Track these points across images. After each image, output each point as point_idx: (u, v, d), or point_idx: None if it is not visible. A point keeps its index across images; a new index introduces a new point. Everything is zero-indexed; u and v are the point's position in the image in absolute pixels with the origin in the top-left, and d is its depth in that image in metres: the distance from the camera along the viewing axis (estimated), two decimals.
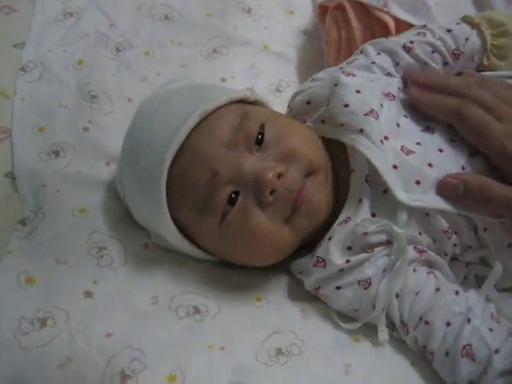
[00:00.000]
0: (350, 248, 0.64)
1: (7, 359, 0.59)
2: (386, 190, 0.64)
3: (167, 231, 0.67)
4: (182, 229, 0.67)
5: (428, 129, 0.68)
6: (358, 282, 0.63)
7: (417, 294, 0.62)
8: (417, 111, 0.69)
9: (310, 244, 0.68)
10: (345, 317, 0.65)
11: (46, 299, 0.64)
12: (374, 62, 0.74)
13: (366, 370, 0.61)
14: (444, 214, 0.64)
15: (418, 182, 0.64)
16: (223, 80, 0.93)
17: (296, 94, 0.77)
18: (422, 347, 0.61)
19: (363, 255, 0.64)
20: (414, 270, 0.63)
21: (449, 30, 0.75)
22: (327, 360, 0.61)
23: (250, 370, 0.59)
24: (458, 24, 0.77)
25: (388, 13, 0.85)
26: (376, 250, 0.64)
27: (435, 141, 0.67)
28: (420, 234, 0.64)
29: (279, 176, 0.63)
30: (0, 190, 0.77)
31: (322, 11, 0.96)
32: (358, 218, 0.64)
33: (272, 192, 0.62)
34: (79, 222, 0.73)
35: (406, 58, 0.74)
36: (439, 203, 0.64)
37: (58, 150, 0.81)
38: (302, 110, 0.74)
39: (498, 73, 0.76)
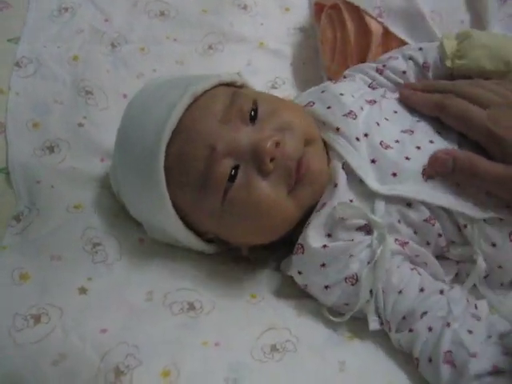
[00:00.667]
0: (329, 235, 0.65)
1: (1, 356, 0.59)
2: (362, 180, 0.66)
3: (166, 217, 0.67)
4: (180, 216, 0.67)
5: (407, 131, 0.70)
6: (345, 279, 0.64)
7: (400, 292, 0.62)
8: (398, 116, 0.72)
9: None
10: (337, 312, 0.65)
11: (40, 296, 0.64)
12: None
13: (361, 366, 0.61)
14: (426, 203, 0.65)
15: (394, 174, 0.66)
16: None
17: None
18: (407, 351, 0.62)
19: (342, 243, 0.64)
20: (398, 266, 0.64)
21: (420, 48, 0.79)
22: (321, 357, 0.62)
23: (245, 367, 0.59)
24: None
25: (382, 23, 0.85)
26: (356, 240, 0.64)
27: (414, 140, 0.68)
28: (399, 221, 0.65)
29: (277, 145, 0.63)
30: None
31: (318, 9, 0.96)
32: (334, 201, 0.65)
33: (272, 160, 0.63)
34: (74, 218, 0.73)
35: (380, 79, 0.79)
36: (416, 193, 0.65)
37: (53, 146, 0.81)
38: None
39: None
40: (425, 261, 0.65)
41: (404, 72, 0.78)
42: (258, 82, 0.91)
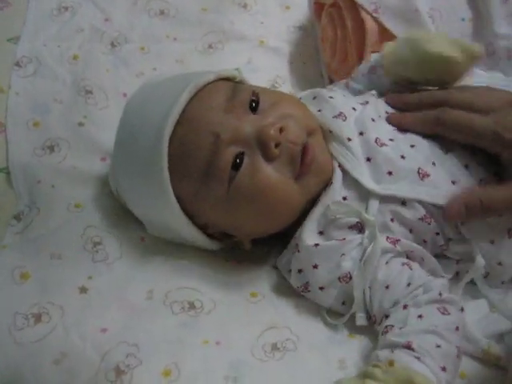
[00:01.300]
0: (321, 233, 0.65)
1: (2, 355, 0.59)
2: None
3: (169, 211, 0.66)
4: (183, 209, 0.67)
5: (401, 130, 0.70)
6: (339, 278, 0.64)
7: (387, 287, 0.62)
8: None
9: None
10: (336, 313, 0.65)
11: (40, 295, 0.64)
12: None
13: (361, 365, 0.61)
14: (421, 202, 0.65)
15: (389, 173, 0.66)
16: None
17: None
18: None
19: (333, 242, 0.64)
20: (387, 263, 0.64)
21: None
22: (322, 355, 0.62)
23: (246, 366, 0.60)
24: None
25: (377, 18, 0.85)
26: (347, 238, 0.64)
27: (407, 139, 0.69)
28: (392, 220, 0.65)
29: (281, 131, 0.63)
30: None
31: (318, 8, 0.96)
32: (328, 198, 0.65)
33: (277, 146, 0.63)
34: (74, 217, 0.73)
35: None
36: (410, 192, 0.65)
37: (53, 145, 0.81)
38: None
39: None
40: (421, 256, 0.65)
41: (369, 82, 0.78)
42: (259, 81, 0.90)
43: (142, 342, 0.60)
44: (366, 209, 0.65)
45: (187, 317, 0.64)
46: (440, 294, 0.60)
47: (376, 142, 0.67)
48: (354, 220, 0.65)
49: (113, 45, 0.94)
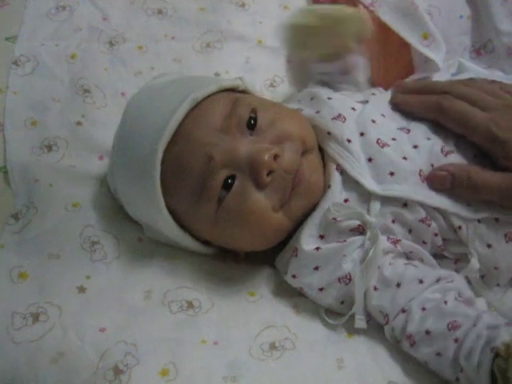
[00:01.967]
0: (322, 237, 0.65)
1: (0, 354, 0.59)
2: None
3: (162, 221, 0.67)
4: (176, 219, 0.67)
5: (404, 129, 0.70)
6: (339, 279, 0.64)
7: (398, 285, 0.62)
8: (394, 112, 0.72)
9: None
10: (334, 312, 0.66)
11: (38, 294, 0.64)
12: None
13: (359, 364, 0.61)
14: (421, 204, 0.65)
15: (391, 174, 0.66)
16: (217, 75, 0.92)
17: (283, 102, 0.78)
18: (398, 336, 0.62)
19: (335, 245, 0.64)
20: (390, 263, 0.64)
21: None
22: (320, 354, 0.62)
23: (244, 365, 0.60)
24: None
25: (373, 12, 0.84)
26: (348, 240, 0.64)
27: (410, 139, 0.69)
28: (393, 222, 0.65)
29: (275, 158, 0.63)
30: None
31: None
32: (327, 202, 0.65)
33: (269, 173, 0.63)
34: (72, 216, 0.72)
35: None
36: (413, 194, 0.65)
37: (51, 145, 0.81)
38: None
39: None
40: (420, 257, 0.65)
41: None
42: (257, 80, 0.91)
43: (140, 342, 0.60)
44: (368, 211, 0.65)
45: (185, 316, 0.64)
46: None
47: (377, 142, 0.67)
48: (355, 223, 0.65)
49: (111, 44, 0.94)
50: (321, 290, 0.65)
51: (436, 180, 0.66)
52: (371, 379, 0.60)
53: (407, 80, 0.81)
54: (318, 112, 0.70)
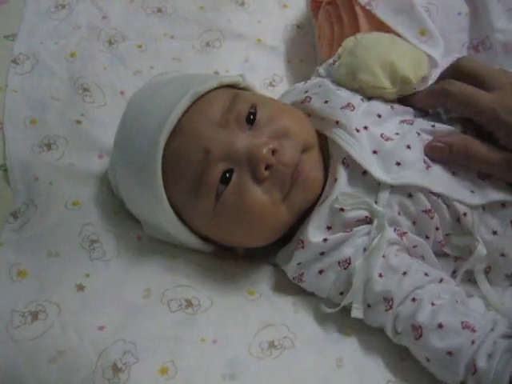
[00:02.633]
0: (329, 228, 0.65)
1: None
2: (366, 172, 0.66)
3: (162, 214, 0.67)
4: (176, 214, 0.67)
5: (407, 120, 0.70)
6: (338, 262, 0.64)
7: (405, 273, 0.62)
8: (397, 109, 0.72)
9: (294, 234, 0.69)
10: (333, 304, 0.65)
11: (37, 292, 0.64)
12: None
13: (358, 363, 0.61)
14: (426, 194, 0.65)
15: (398, 163, 0.66)
16: (217, 73, 0.93)
17: (287, 93, 0.78)
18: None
19: (341, 234, 0.64)
20: (396, 255, 0.63)
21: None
22: (319, 353, 0.62)
23: (243, 363, 0.60)
24: None
25: (370, 11, 0.85)
26: (355, 229, 0.64)
27: (414, 128, 0.69)
28: (399, 213, 0.65)
29: (273, 152, 0.63)
30: None
31: (315, 6, 0.96)
32: (334, 194, 0.65)
33: (268, 167, 0.63)
34: (71, 214, 0.72)
35: None
36: (421, 180, 0.65)
37: (51, 143, 0.81)
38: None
39: None
40: (422, 253, 0.65)
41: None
42: (256, 79, 0.91)
43: (139, 340, 0.60)
44: (376, 202, 0.65)
45: (184, 314, 0.64)
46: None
47: (382, 136, 0.68)
48: (362, 214, 0.65)
49: (110, 42, 0.94)
50: (320, 272, 0.65)
51: (435, 150, 0.67)
52: (370, 378, 0.60)
53: None
54: (326, 102, 0.70)
